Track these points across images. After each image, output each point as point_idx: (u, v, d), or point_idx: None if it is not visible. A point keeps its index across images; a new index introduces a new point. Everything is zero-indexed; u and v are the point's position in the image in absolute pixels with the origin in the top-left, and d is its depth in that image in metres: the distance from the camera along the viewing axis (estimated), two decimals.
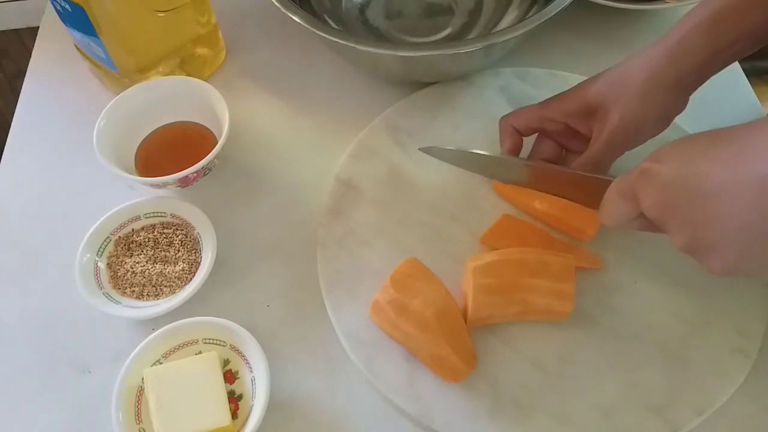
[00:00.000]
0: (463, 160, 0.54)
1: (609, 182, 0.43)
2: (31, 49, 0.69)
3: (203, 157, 0.52)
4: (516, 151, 0.54)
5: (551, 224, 0.53)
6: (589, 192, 0.47)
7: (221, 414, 0.45)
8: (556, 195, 0.50)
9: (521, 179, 0.51)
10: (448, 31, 0.67)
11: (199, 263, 0.52)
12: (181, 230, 0.54)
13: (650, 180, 0.37)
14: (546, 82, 0.62)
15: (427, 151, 0.54)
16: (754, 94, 0.63)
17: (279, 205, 0.57)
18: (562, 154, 0.55)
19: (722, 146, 0.36)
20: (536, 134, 0.55)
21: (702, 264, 0.37)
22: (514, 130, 0.54)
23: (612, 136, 0.47)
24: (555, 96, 0.52)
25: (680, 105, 0.47)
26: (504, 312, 0.47)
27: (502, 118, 0.55)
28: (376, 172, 0.57)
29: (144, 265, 0.52)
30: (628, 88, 0.47)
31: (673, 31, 0.46)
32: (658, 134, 0.48)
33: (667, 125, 0.48)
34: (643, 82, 0.46)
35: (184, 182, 0.54)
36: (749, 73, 0.65)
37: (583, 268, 0.51)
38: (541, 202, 0.52)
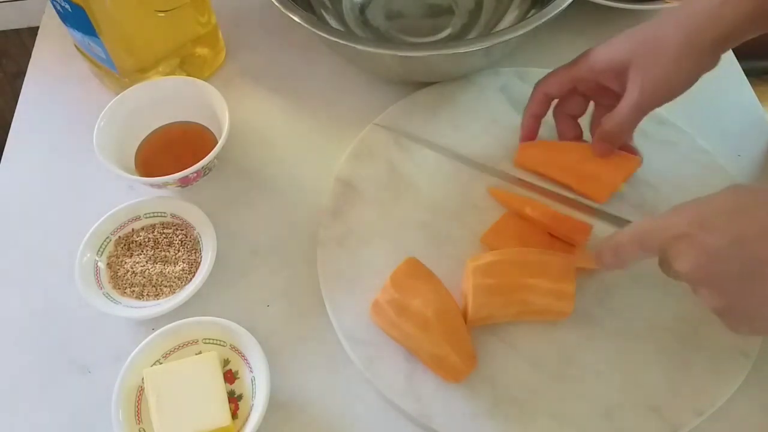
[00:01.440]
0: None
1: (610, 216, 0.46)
2: (31, 49, 0.69)
3: (203, 157, 0.52)
4: (539, 117, 0.55)
5: (541, 228, 0.53)
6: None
7: (221, 414, 0.45)
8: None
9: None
10: (448, 31, 0.67)
11: (199, 263, 0.52)
12: (181, 230, 0.54)
13: (694, 247, 0.38)
14: None
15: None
16: (754, 94, 0.63)
17: (279, 205, 0.57)
18: (579, 129, 0.56)
19: None
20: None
21: (727, 324, 0.40)
22: (543, 97, 0.53)
23: (643, 97, 0.47)
24: (584, 54, 0.51)
25: (711, 65, 0.46)
26: (504, 312, 0.47)
27: (537, 83, 0.54)
28: (376, 172, 0.57)
29: (144, 265, 0.52)
30: (663, 49, 0.46)
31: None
32: (683, 92, 0.48)
33: (694, 83, 0.47)
34: (679, 44, 0.45)
35: (184, 182, 0.54)
36: (749, 73, 0.65)
37: (583, 268, 0.51)
38: (533, 209, 0.52)
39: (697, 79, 0.47)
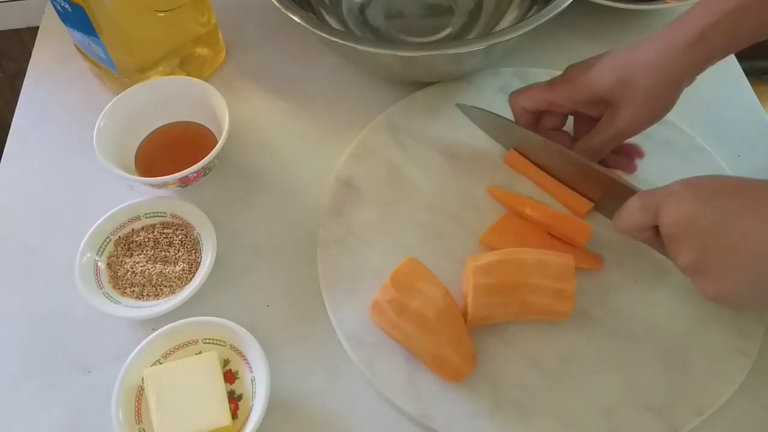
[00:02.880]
0: (491, 125, 0.56)
1: (622, 186, 0.48)
2: (31, 49, 0.69)
3: (203, 157, 0.52)
4: (532, 128, 0.55)
5: (541, 228, 0.53)
6: (595, 186, 0.52)
7: (221, 414, 0.45)
8: (561, 179, 0.54)
9: (539, 157, 0.54)
10: (448, 31, 0.67)
11: (199, 263, 0.52)
12: (181, 230, 0.54)
13: (679, 200, 0.41)
14: None
15: (462, 108, 0.57)
16: (754, 94, 0.63)
17: (279, 205, 0.57)
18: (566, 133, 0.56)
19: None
20: None
21: (696, 284, 0.42)
22: (522, 110, 0.54)
23: (620, 131, 0.50)
24: (562, 80, 0.51)
25: (688, 85, 0.48)
26: (504, 312, 0.47)
27: (511, 95, 0.55)
28: (376, 172, 0.57)
29: (144, 265, 0.52)
30: (641, 88, 0.47)
31: (689, 23, 0.46)
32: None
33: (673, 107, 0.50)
34: (657, 83, 0.47)
35: (184, 182, 0.54)
36: (749, 73, 0.65)
37: (583, 268, 0.51)
38: (533, 209, 0.52)
39: (672, 106, 0.49)
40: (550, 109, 0.53)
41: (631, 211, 0.44)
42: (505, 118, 0.54)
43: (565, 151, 0.52)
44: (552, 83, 0.52)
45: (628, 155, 0.55)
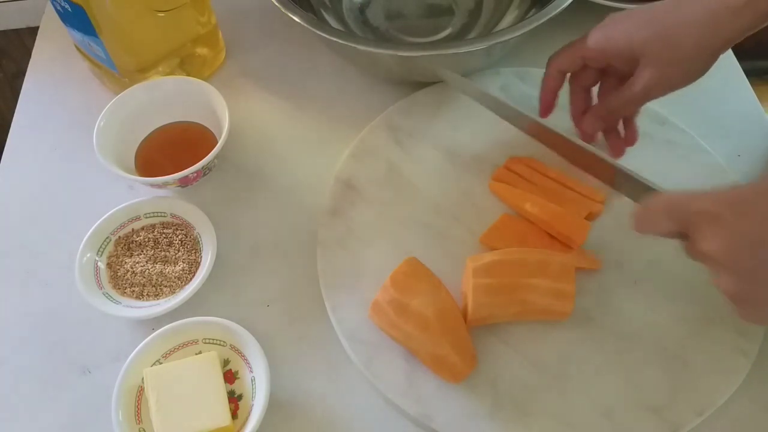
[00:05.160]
0: (499, 107, 0.55)
1: (631, 178, 0.46)
2: (31, 49, 0.69)
3: (203, 157, 0.52)
4: (555, 91, 0.55)
5: (541, 228, 0.53)
6: (606, 172, 0.50)
7: (221, 414, 0.45)
8: (572, 162, 0.53)
9: (548, 142, 0.53)
10: (448, 31, 0.67)
11: (199, 263, 0.52)
12: (181, 230, 0.54)
13: (725, 228, 0.38)
14: None
15: (459, 84, 0.56)
16: (754, 94, 0.63)
17: (279, 205, 0.57)
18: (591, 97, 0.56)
19: None
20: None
21: (740, 313, 0.40)
22: (557, 73, 0.54)
23: (650, 88, 0.48)
24: (596, 33, 0.50)
25: (714, 62, 0.47)
26: (504, 312, 0.47)
27: (550, 58, 0.54)
28: (376, 172, 0.57)
29: (144, 265, 0.52)
30: (678, 48, 0.46)
31: None
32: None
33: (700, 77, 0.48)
34: (699, 44, 0.45)
35: (184, 182, 0.54)
36: (749, 73, 0.65)
37: (583, 268, 0.51)
38: (533, 205, 0.52)
39: (703, 74, 0.48)
40: (584, 64, 0.52)
41: (655, 217, 0.42)
42: (512, 107, 0.54)
43: (572, 141, 0.51)
44: (585, 37, 0.51)
45: (623, 138, 0.55)
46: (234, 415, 0.46)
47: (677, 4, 0.47)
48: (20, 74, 0.68)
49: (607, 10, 0.65)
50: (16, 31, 0.88)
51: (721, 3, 0.44)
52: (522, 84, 0.62)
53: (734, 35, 0.45)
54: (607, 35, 0.49)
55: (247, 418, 0.45)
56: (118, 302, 0.50)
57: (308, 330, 0.51)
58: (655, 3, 0.48)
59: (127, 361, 0.46)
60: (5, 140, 0.62)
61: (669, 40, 0.46)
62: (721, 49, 0.46)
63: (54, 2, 0.56)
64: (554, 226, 0.51)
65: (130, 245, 0.53)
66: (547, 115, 0.56)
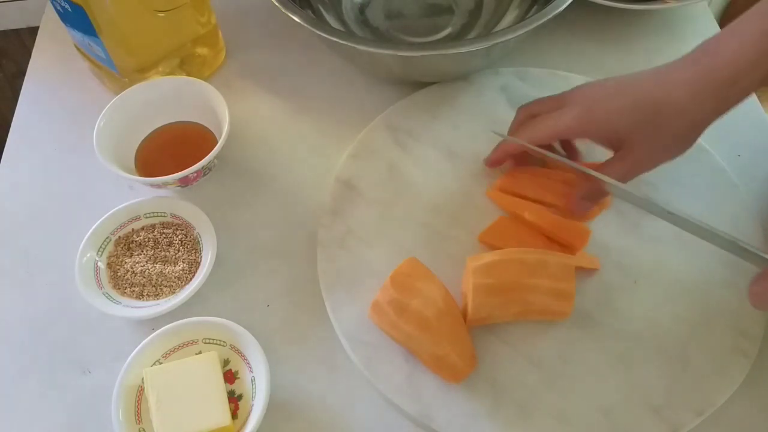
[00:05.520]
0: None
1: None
2: (31, 49, 0.69)
3: (203, 157, 0.52)
4: (510, 157, 0.54)
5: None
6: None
7: (221, 414, 0.45)
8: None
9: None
10: (448, 31, 0.67)
11: (199, 263, 0.52)
12: (181, 230, 0.54)
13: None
14: (546, 82, 0.62)
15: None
16: (754, 94, 0.63)
17: (279, 205, 0.57)
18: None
19: None
20: None
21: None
22: (521, 147, 0.51)
23: (633, 170, 0.48)
24: (578, 111, 0.48)
25: (701, 134, 0.47)
26: (504, 312, 0.47)
27: (521, 124, 0.51)
28: (376, 172, 0.57)
29: (144, 265, 0.52)
30: (666, 132, 0.45)
31: (722, 59, 0.43)
32: None
33: None
34: (685, 126, 0.45)
35: (184, 182, 0.54)
36: None
37: (583, 268, 0.51)
38: (531, 213, 0.52)
39: (691, 147, 0.48)
40: (557, 141, 0.52)
41: None
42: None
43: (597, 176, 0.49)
44: (562, 114, 0.48)
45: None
46: (234, 415, 0.46)
47: (660, 82, 0.45)
48: (20, 74, 0.68)
49: (607, 10, 0.65)
50: (16, 31, 0.88)
51: (703, 84, 0.44)
52: (522, 84, 0.62)
53: (720, 113, 0.45)
54: (589, 118, 0.47)
55: (247, 418, 0.45)
56: (118, 302, 0.50)
57: (308, 330, 0.51)
58: (637, 77, 0.47)
59: (127, 361, 0.46)
60: (5, 140, 0.62)
61: (656, 126, 0.45)
62: (710, 123, 0.45)
63: (54, 2, 0.56)
64: (555, 233, 0.51)
65: (130, 245, 0.53)
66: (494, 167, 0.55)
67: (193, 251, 0.53)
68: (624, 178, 0.48)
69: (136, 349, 0.47)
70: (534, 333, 0.49)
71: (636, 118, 0.46)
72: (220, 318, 0.48)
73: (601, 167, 0.49)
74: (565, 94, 0.51)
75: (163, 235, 0.53)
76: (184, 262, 0.52)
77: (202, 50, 0.64)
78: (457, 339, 0.46)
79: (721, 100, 0.44)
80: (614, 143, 0.48)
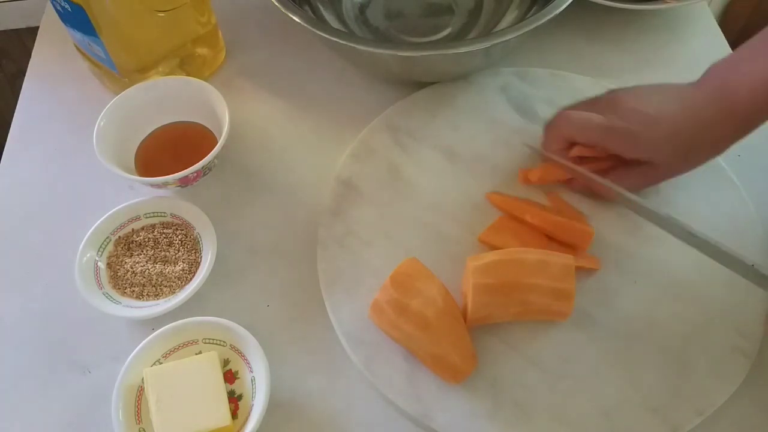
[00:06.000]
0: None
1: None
2: (31, 49, 0.69)
3: (203, 157, 0.52)
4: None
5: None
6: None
7: (221, 414, 0.45)
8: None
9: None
10: (448, 31, 0.67)
11: (199, 263, 0.52)
12: (181, 230, 0.54)
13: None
14: (546, 82, 0.62)
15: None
16: None
17: (279, 205, 0.57)
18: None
19: None
20: None
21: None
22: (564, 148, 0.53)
23: (653, 182, 0.53)
24: (606, 130, 0.50)
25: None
26: (504, 312, 0.47)
27: (559, 126, 0.52)
28: (376, 172, 0.57)
29: (144, 265, 0.52)
30: (695, 159, 0.50)
31: (740, 98, 0.47)
32: None
33: None
34: (708, 158, 0.50)
35: (184, 182, 0.54)
36: None
37: (583, 268, 0.51)
38: (533, 217, 0.52)
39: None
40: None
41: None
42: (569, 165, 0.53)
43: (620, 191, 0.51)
44: (608, 129, 0.50)
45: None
46: (234, 415, 0.46)
47: (688, 117, 0.49)
48: (20, 74, 0.68)
49: (607, 10, 0.65)
50: (16, 31, 0.88)
51: (731, 123, 0.48)
52: (522, 84, 0.62)
53: (744, 136, 0.49)
54: (636, 143, 0.49)
55: (247, 418, 0.45)
56: (118, 302, 0.50)
57: (308, 330, 0.51)
58: (669, 105, 0.49)
59: (127, 361, 0.46)
60: (5, 140, 0.62)
61: (686, 159, 0.50)
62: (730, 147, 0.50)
63: (54, 2, 0.56)
64: (557, 235, 0.51)
65: (130, 245, 0.53)
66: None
67: (193, 251, 0.53)
68: (638, 189, 0.53)
69: (136, 349, 0.47)
70: (534, 333, 0.49)
71: (669, 152, 0.49)
72: (220, 318, 0.48)
73: (617, 176, 0.51)
74: (608, 101, 0.52)
75: (163, 235, 0.53)
76: (184, 262, 0.52)
77: (202, 50, 0.64)
78: (457, 339, 0.46)
79: (744, 130, 0.48)
80: (641, 161, 0.51)
